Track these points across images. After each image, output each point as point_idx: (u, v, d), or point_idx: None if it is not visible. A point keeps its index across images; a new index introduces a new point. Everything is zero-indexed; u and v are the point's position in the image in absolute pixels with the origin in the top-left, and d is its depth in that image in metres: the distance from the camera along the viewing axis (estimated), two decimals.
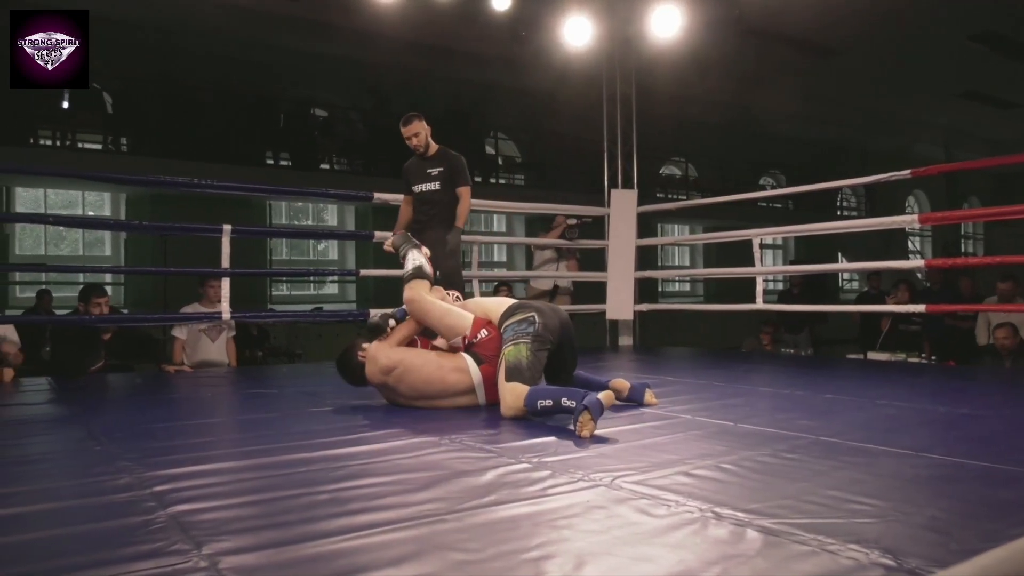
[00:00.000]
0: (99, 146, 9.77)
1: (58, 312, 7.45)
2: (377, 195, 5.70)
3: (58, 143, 9.43)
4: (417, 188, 4.81)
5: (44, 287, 8.45)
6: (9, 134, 8.81)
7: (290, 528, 1.59)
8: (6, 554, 1.47)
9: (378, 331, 3.32)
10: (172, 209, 9.29)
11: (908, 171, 5.24)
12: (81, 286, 5.43)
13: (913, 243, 19.13)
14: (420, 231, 4.71)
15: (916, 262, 8.01)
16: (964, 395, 3.81)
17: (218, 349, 5.29)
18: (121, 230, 10.22)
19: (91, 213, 10.74)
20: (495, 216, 13.71)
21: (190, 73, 10.06)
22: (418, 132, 4.69)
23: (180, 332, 5.21)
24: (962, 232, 20.53)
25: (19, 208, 10.03)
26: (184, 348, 5.19)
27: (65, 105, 9.52)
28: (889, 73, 12.48)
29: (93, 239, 10.97)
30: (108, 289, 5.61)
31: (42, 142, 9.37)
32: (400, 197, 5.12)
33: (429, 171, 4.78)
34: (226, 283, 5.12)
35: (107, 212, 10.75)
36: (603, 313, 6.92)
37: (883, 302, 7.33)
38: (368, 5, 6.69)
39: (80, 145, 9.60)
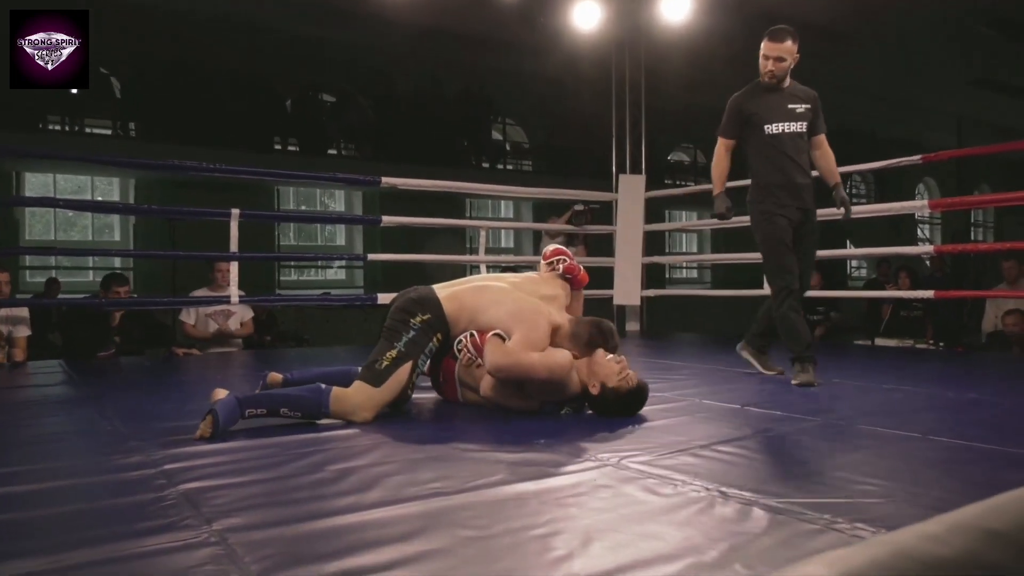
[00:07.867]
0: (108, 131, 9.81)
1: (67, 298, 7.48)
2: (385, 180, 5.66)
3: (67, 128, 9.48)
4: (776, 128, 3.57)
5: (53, 275, 8.50)
6: (18, 120, 8.84)
7: (298, 505, 1.60)
8: (23, 529, 1.49)
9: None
10: (180, 194, 9.32)
11: (919, 156, 5.20)
12: (91, 271, 5.45)
13: (923, 231, 19.01)
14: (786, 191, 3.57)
15: (925, 247, 7.95)
16: (972, 381, 3.80)
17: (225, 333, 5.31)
18: (130, 214, 10.29)
19: (100, 199, 10.78)
20: (502, 202, 13.71)
21: (199, 59, 10.05)
22: (785, 57, 3.54)
23: (188, 316, 5.24)
24: (972, 220, 20.39)
25: (28, 194, 10.06)
26: (193, 332, 5.21)
27: (73, 91, 9.55)
28: (900, 60, 12.36)
29: (102, 224, 11.02)
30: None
31: (51, 127, 9.42)
32: None
33: (792, 107, 3.58)
34: (234, 267, 5.13)
35: (116, 197, 10.80)
36: (610, 298, 6.91)
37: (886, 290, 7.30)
38: None
39: (89, 131, 9.64)
